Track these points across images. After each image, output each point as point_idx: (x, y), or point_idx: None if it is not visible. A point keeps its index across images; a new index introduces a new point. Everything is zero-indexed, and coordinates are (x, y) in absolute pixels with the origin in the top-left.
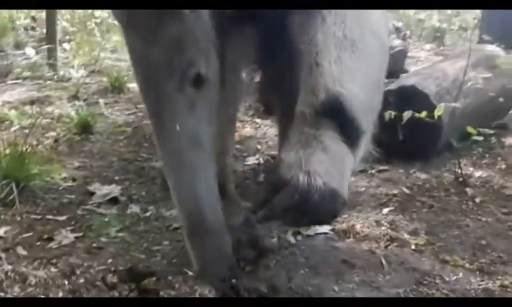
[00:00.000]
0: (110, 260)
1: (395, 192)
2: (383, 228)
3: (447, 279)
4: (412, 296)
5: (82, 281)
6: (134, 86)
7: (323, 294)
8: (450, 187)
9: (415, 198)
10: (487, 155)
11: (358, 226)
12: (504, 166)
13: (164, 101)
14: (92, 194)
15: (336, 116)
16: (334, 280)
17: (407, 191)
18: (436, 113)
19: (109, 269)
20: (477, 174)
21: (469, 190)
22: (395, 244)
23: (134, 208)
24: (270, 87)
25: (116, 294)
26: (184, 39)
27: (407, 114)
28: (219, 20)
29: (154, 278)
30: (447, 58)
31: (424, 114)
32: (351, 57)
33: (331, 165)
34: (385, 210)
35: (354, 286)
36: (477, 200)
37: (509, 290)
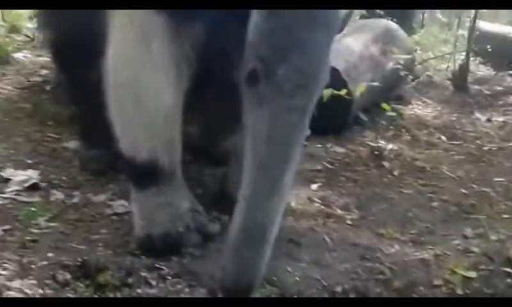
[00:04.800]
0: (50, 254)
1: (318, 167)
2: (316, 204)
3: (387, 252)
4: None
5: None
6: (20, 55)
7: (279, 275)
8: (369, 161)
9: (338, 173)
10: (391, 127)
11: (293, 204)
12: (409, 138)
13: None
14: (7, 180)
15: None
16: (286, 261)
17: (330, 166)
18: (358, 91)
19: (58, 265)
20: (389, 147)
21: (386, 164)
22: (332, 219)
23: (58, 195)
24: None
25: (70, 292)
26: None
27: (327, 92)
28: None
29: (109, 272)
30: (348, 34)
31: (344, 91)
32: None
33: None
34: (314, 186)
35: (305, 266)
36: (396, 173)
37: (441, 258)
